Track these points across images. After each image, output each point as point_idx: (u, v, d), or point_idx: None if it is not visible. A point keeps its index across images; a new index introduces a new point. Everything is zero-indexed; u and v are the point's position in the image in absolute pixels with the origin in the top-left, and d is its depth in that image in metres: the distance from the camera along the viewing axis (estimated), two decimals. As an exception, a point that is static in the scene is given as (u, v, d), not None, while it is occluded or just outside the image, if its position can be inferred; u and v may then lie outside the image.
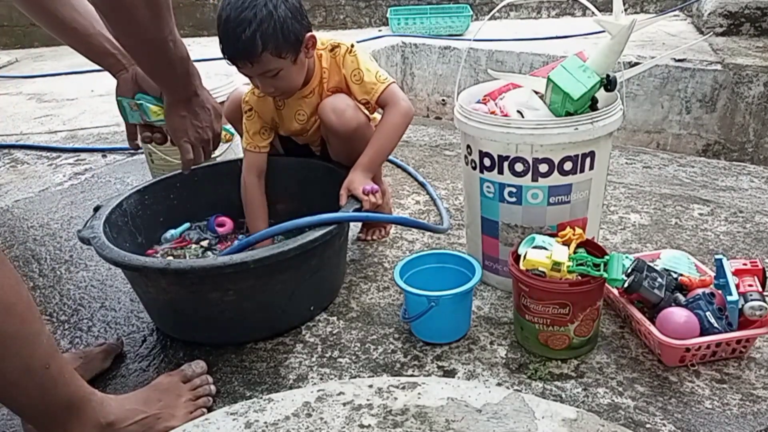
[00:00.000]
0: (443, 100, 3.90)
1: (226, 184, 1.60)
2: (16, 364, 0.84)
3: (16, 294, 0.83)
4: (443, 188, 1.96)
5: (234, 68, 1.35)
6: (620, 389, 1.10)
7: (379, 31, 4.36)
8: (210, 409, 1.08)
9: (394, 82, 1.46)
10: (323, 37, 1.46)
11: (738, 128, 3.03)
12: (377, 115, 1.59)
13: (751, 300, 1.10)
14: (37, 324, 0.87)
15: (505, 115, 1.30)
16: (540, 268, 1.12)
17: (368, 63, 1.45)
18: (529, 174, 1.25)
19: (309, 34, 1.36)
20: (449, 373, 1.16)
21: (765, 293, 1.12)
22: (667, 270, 1.25)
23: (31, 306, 0.87)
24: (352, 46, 1.45)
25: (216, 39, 1.34)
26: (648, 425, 1.02)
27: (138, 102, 1.23)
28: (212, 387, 1.13)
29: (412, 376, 1.16)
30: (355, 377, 1.16)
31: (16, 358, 0.84)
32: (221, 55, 1.33)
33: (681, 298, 1.18)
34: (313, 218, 1.24)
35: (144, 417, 0.99)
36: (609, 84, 1.23)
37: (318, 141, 1.61)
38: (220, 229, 1.60)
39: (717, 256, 1.17)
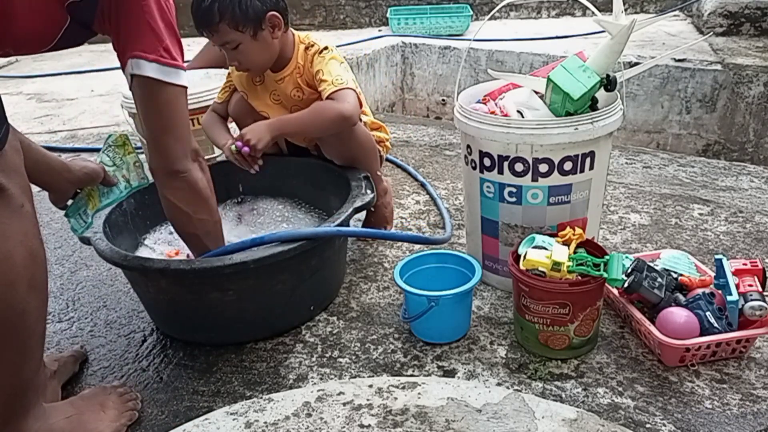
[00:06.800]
0: (443, 100, 3.90)
1: (226, 184, 1.60)
2: (39, 333, 0.94)
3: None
4: (443, 188, 1.96)
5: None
6: (620, 389, 1.10)
7: (379, 31, 4.36)
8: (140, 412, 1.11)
9: (353, 89, 1.40)
10: (305, 34, 1.48)
11: (738, 128, 3.03)
12: (383, 135, 1.62)
13: (751, 300, 1.10)
14: None
15: (505, 115, 1.30)
16: (540, 268, 1.12)
17: (332, 66, 1.42)
18: (529, 174, 1.25)
19: (271, 13, 1.36)
20: (449, 373, 1.16)
21: (765, 293, 1.12)
22: (667, 270, 1.25)
23: None
24: (326, 48, 1.45)
25: (215, 39, 1.36)
26: (648, 425, 1.02)
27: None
28: (138, 397, 1.14)
29: (412, 376, 1.16)
30: (355, 377, 1.16)
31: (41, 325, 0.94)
32: None
33: (681, 298, 1.18)
34: (312, 230, 1.22)
35: (72, 414, 1.03)
36: (609, 84, 1.24)
37: (313, 143, 1.62)
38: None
39: (717, 256, 1.17)
